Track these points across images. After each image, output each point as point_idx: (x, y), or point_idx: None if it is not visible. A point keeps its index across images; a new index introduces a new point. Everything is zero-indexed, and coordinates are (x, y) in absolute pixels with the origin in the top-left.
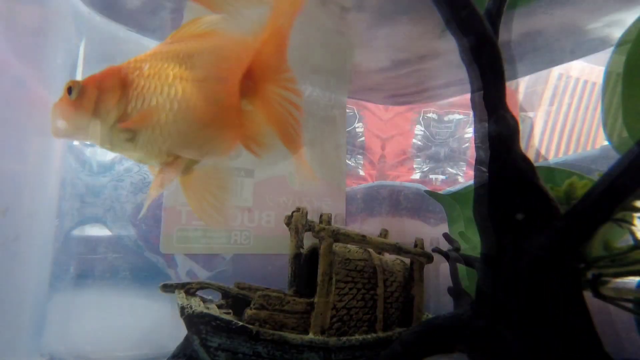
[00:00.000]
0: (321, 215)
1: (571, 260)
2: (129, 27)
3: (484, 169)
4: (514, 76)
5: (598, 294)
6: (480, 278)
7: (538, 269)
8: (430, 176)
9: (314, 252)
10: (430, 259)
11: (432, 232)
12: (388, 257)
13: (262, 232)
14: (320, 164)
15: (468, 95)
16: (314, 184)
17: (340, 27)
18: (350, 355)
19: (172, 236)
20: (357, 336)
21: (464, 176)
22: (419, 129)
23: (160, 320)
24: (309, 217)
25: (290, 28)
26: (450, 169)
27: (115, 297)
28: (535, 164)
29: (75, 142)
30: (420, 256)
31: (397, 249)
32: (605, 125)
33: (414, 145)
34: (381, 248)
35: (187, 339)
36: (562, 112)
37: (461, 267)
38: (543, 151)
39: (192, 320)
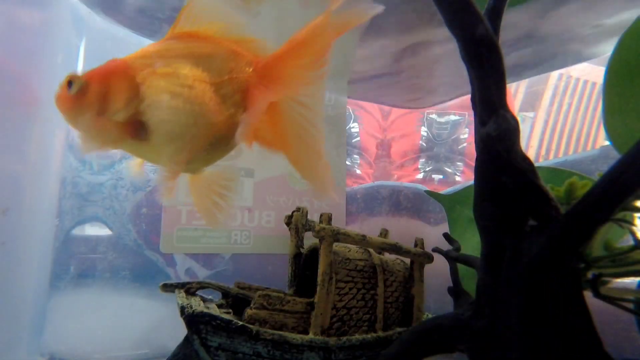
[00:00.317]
0: (321, 215)
1: (571, 260)
2: (129, 28)
3: (484, 169)
4: (518, 77)
5: (598, 294)
6: (480, 278)
7: (538, 269)
8: (432, 176)
9: (314, 252)
10: (430, 258)
11: (432, 232)
12: (388, 256)
13: (262, 231)
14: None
15: (463, 97)
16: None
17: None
18: (350, 355)
19: (172, 236)
20: (357, 336)
21: (461, 176)
22: (423, 130)
23: (160, 319)
24: (309, 217)
25: (324, 47)
26: (447, 169)
27: (115, 297)
28: (536, 164)
29: (75, 142)
30: (420, 256)
31: (397, 249)
32: (605, 125)
33: (420, 146)
34: (381, 248)
35: (187, 338)
36: (562, 112)
37: (461, 267)
38: (543, 151)
39: (192, 319)
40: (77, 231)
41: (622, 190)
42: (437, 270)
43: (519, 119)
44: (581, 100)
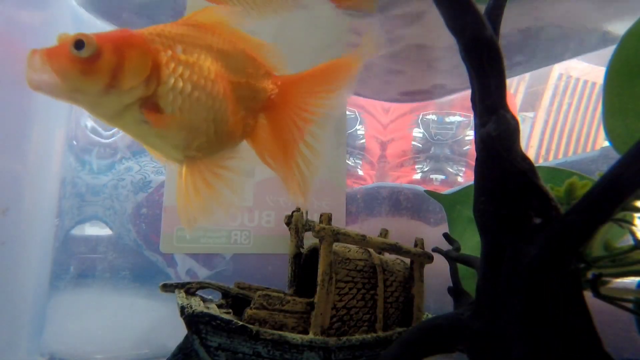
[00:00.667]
0: (321, 215)
1: (571, 260)
2: None
3: (484, 169)
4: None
5: (598, 294)
6: (480, 278)
7: (538, 269)
8: (431, 176)
9: (314, 252)
10: (430, 258)
11: (432, 232)
12: (388, 256)
13: (262, 231)
14: (322, 165)
15: (469, 97)
16: (314, 184)
17: (341, 27)
18: (350, 355)
19: (172, 236)
20: (357, 336)
21: (463, 176)
22: (417, 132)
23: (160, 319)
24: (308, 217)
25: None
26: (450, 169)
27: (115, 297)
28: (536, 164)
29: (75, 142)
30: (420, 256)
31: (397, 249)
32: (605, 126)
33: (414, 147)
34: (381, 248)
35: (187, 338)
36: (562, 112)
37: (461, 267)
38: (543, 151)
39: (192, 319)
40: (77, 231)
41: (622, 190)
42: (437, 270)
43: (519, 119)
44: (581, 100)
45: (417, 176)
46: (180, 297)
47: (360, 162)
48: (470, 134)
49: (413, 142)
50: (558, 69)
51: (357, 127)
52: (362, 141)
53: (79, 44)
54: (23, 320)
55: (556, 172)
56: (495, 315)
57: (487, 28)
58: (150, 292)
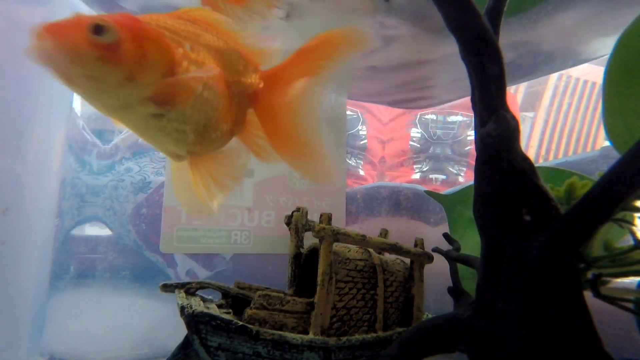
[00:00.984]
0: (321, 215)
1: (571, 260)
2: None
3: (484, 169)
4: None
5: (598, 294)
6: (480, 278)
7: (538, 269)
8: (431, 176)
9: (314, 252)
10: (430, 258)
11: (432, 232)
12: (388, 256)
13: (262, 232)
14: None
15: (469, 97)
16: (314, 184)
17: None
18: (350, 355)
19: (172, 236)
20: (357, 336)
21: (464, 177)
22: (415, 131)
23: (160, 320)
24: (308, 217)
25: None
26: (451, 169)
27: (115, 297)
28: (536, 164)
29: (75, 143)
30: (420, 256)
31: (397, 249)
32: (605, 125)
33: (412, 146)
34: (381, 248)
35: (187, 338)
36: (562, 112)
37: (461, 267)
38: (543, 151)
39: (192, 320)
40: (77, 231)
41: (622, 190)
42: (437, 270)
43: (519, 119)
44: (581, 100)
45: (416, 176)
46: (180, 297)
47: (362, 162)
48: (472, 134)
49: (411, 142)
50: None
51: (359, 127)
52: (363, 141)
53: (99, 28)
54: (23, 320)
55: (556, 172)
56: (495, 315)
57: (487, 28)
58: (150, 292)
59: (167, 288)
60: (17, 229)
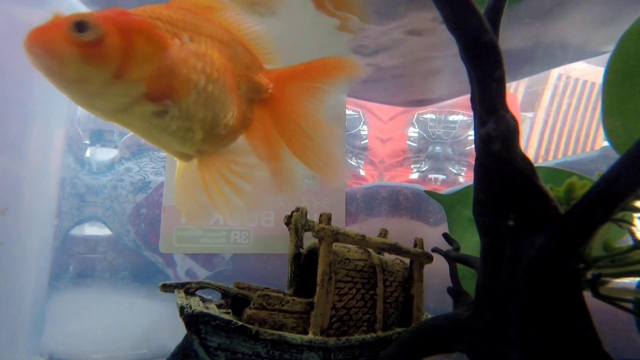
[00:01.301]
0: (321, 215)
1: (571, 261)
2: None
3: (484, 169)
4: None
5: (597, 294)
6: (479, 278)
7: (538, 269)
8: (430, 176)
9: (313, 252)
10: (429, 258)
11: (432, 232)
12: (388, 256)
13: (261, 232)
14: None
15: (469, 96)
16: (314, 184)
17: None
18: (350, 355)
19: (172, 236)
20: (356, 336)
21: (464, 176)
22: (412, 131)
23: (160, 320)
24: (308, 217)
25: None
26: (451, 169)
27: (114, 297)
28: (535, 165)
29: (74, 143)
30: (419, 256)
31: (397, 249)
32: (605, 126)
33: (410, 146)
34: (381, 248)
35: (186, 338)
36: (561, 112)
37: (461, 267)
38: (542, 151)
39: (191, 320)
40: (76, 231)
41: (621, 190)
42: (437, 270)
43: (519, 119)
44: (580, 100)
45: (414, 176)
46: (179, 297)
47: (362, 162)
48: (472, 133)
49: (408, 142)
50: (557, 69)
51: (361, 127)
52: (364, 141)
53: (80, 25)
54: (22, 320)
55: (556, 172)
56: (495, 315)
57: (487, 28)
58: (149, 292)
59: (167, 288)
60: (17, 229)
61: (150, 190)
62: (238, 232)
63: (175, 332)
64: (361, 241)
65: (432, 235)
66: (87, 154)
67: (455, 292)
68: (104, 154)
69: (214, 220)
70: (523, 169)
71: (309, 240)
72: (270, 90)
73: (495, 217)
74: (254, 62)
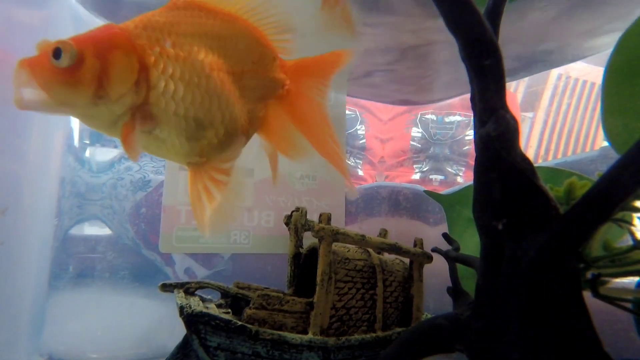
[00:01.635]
0: (320, 215)
1: (571, 260)
2: None
3: (484, 169)
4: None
5: (597, 294)
6: (479, 278)
7: (537, 269)
8: (430, 176)
9: (313, 252)
10: (429, 258)
11: (432, 232)
12: (387, 256)
13: (261, 231)
14: (320, 164)
15: (468, 96)
16: (313, 184)
17: (339, 26)
18: (350, 355)
19: (171, 235)
20: (356, 336)
21: (463, 177)
22: (415, 131)
23: (160, 319)
24: (308, 217)
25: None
26: (449, 169)
27: (114, 297)
28: (535, 164)
29: (75, 143)
30: (419, 256)
31: (397, 249)
32: (604, 125)
33: (412, 146)
34: (380, 248)
35: (186, 338)
36: (561, 112)
37: (460, 267)
38: (542, 151)
39: (191, 319)
40: (76, 231)
41: (621, 190)
42: (437, 270)
43: (519, 118)
44: (580, 100)
45: (416, 176)
46: (179, 297)
47: (361, 162)
48: (470, 134)
49: (411, 142)
50: (557, 69)
51: (358, 126)
52: (362, 141)
53: (57, 52)
54: (22, 320)
55: (555, 172)
56: (495, 315)
57: (487, 28)
58: (149, 292)
59: (167, 288)
60: (16, 229)
61: (150, 189)
62: (238, 232)
63: (175, 332)
64: (361, 241)
65: (432, 235)
66: (87, 153)
67: (455, 292)
68: (104, 153)
69: None
70: (523, 169)
71: (308, 240)
72: (286, 86)
73: (495, 217)
74: (264, 55)
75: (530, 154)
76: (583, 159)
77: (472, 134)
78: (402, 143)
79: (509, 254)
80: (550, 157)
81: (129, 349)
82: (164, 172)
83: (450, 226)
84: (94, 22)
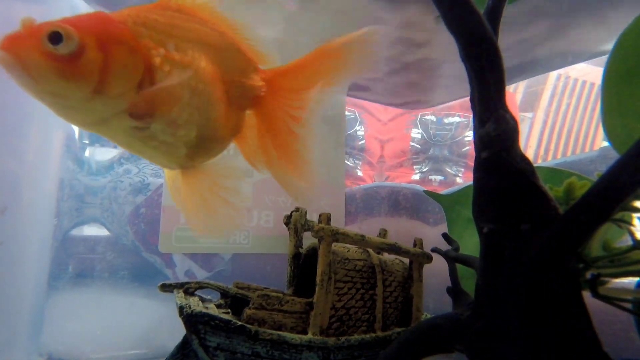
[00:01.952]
0: (320, 215)
1: (570, 261)
2: None
3: (484, 169)
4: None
5: (597, 294)
6: (479, 278)
7: (537, 269)
8: (430, 177)
9: (313, 252)
10: (429, 258)
11: (431, 232)
12: (387, 256)
13: (261, 232)
14: (320, 164)
15: (467, 98)
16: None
17: (339, 27)
18: (349, 355)
19: (171, 235)
20: (355, 336)
21: (462, 177)
22: (416, 132)
23: (159, 319)
24: (307, 217)
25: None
26: (449, 170)
27: (113, 297)
28: (535, 165)
29: (75, 143)
30: (419, 256)
31: (396, 249)
32: (604, 126)
33: (412, 147)
34: (380, 248)
35: (185, 338)
36: (561, 113)
37: (460, 267)
38: (542, 151)
39: (190, 319)
40: (75, 231)
41: (620, 190)
42: (436, 270)
43: (518, 119)
44: (580, 100)
45: (416, 177)
46: (179, 297)
47: (360, 162)
48: (469, 135)
49: (411, 143)
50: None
51: (357, 127)
52: (361, 142)
53: (55, 37)
54: (21, 320)
55: (555, 172)
56: (495, 315)
57: (486, 29)
58: (149, 292)
59: (166, 288)
60: (16, 229)
61: (150, 192)
62: (237, 232)
63: (175, 332)
64: (361, 241)
65: (432, 235)
66: (86, 154)
67: (455, 292)
68: (103, 155)
69: None
70: (522, 169)
71: (308, 240)
72: (262, 93)
73: (494, 217)
74: (248, 65)
75: (529, 154)
76: (583, 159)
77: (471, 134)
78: (402, 144)
79: (509, 254)
80: (549, 157)
81: (128, 349)
82: (162, 174)
83: (450, 226)
84: None
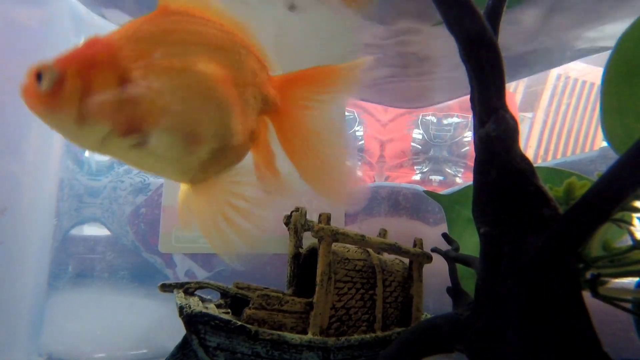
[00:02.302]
0: (320, 215)
1: (570, 261)
2: None
3: (483, 169)
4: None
5: (597, 294)
6: (479, 278)
7: (537, 269)
8: (430, 177)
9: (313, 252)
10: (429, 258)
11: (431, 232)
12: (387, 256)
13: None
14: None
15: (466, 98)
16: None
17: (339, 28)
18: (349, 355)
19: (171, 235)
20: (355, 336)
21: (462, 177)
22: (417, 132)
23: (159, 319)
24: (307, 217)
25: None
26: (448, 170)
27: (113, 297)
28: (534, 165)
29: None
30: (419, 256)
31: (396, 249)
32: (604, 126)
33: (413, 148)
34: (380, 248)
35: (185, 338)
36: (560, 113)
37: (460, 267)
38: (542, 151)
39: (190, 319)
40: (75, 231)
41: (620, 190)
42: (436, 271)
43: (518, 119)
44: (580, 100)
45: (417, 177)
46: (179, 297)
47: (360, 163)
48: (468, 135)
49: (412, 143)
50: (556, 69)
51: (356, 128)
52: (360, 142)
53: (38, 76)
54: (21, 320)
55: (555, 172)
56: (495, 315)
57: (486, 28)
58: (149, 292)
59: (166, 288)
60: (16, 229)
61: (150, 192)
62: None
63: (175, 332)
64: (360, 241)
65: (432, 235)
66: (86, 154)
67: (455, 292)
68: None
69: None
70: (522, 169)
71: (308, 240)
72: (278, 98)
73: (494, 217)
74: (262, 69)
75: (529, 154)
76: (582, 159)
77: (470, 135)
78: (403, 144)
79: (509, 254)
80: (549, 157)
81: (128, 349)
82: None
83: (450, 226)
84: (93, 20)
